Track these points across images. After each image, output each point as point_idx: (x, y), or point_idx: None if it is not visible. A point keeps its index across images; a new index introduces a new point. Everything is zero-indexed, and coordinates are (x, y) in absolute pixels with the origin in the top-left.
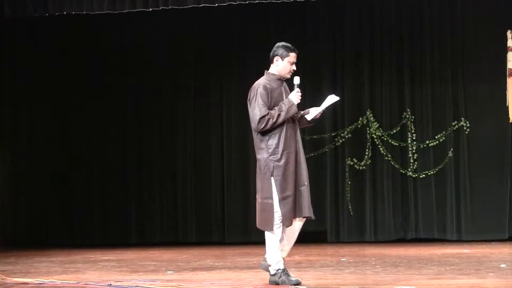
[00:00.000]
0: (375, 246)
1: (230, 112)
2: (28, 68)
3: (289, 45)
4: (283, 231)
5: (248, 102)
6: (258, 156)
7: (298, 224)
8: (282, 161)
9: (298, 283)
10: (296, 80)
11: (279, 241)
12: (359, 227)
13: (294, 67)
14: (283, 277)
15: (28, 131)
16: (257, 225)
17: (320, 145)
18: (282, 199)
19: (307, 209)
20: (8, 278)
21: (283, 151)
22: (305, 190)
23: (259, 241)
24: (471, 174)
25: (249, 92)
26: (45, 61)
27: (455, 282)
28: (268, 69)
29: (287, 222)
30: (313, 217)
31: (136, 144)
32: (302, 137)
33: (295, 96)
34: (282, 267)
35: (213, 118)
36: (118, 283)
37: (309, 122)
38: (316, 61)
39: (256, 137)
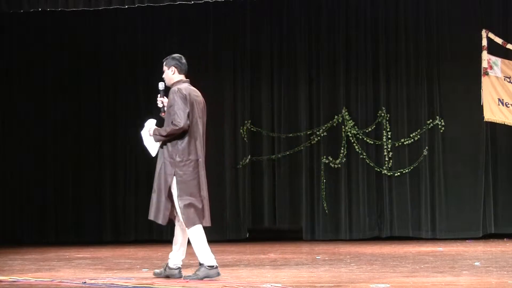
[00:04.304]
0: (350, 244)
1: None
2: None
3: None
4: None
5: None
6: None
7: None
8: None
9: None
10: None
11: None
12: (334, 225)
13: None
14: None
15: None
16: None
17: (295, 143)
18: None
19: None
20: None
21: None
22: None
23: (234, 239)
24: (445, 172)
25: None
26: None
27: (429, 280)
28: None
29: None
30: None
31: (110, 142)
32: (278, 135)
33: None
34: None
35: None
36: (93, 281)
37: None
38: (292, 60)
39: None
